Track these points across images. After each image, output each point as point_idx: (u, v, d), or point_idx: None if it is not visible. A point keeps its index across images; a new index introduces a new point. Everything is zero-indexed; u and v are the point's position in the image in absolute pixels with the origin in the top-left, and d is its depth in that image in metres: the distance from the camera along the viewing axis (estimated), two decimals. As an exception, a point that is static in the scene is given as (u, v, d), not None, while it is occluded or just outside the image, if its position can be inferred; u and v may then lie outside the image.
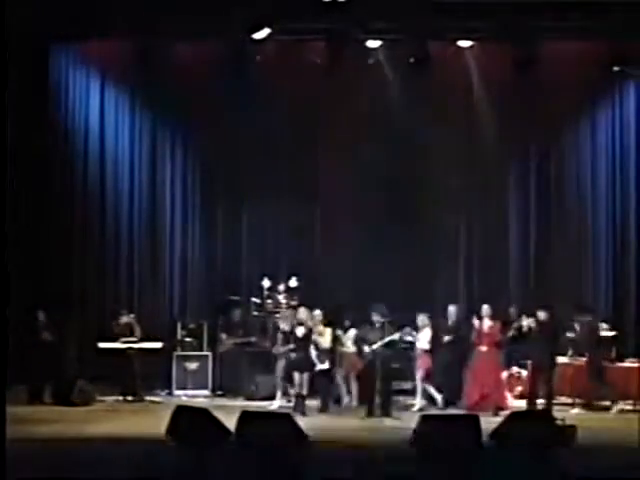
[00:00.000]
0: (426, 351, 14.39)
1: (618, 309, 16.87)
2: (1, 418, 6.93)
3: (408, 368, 14.75)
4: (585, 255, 17.41)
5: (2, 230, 7.46)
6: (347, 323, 15.07)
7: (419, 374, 14.41)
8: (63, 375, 15.01)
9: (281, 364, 14.39)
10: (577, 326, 14.64)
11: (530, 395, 13.95)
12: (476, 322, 14.19)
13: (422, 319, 14.46)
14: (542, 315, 13.94)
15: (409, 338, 14.16)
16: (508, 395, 14.54)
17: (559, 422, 10.80)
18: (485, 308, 14.22)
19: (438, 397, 14.38)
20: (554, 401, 14.22)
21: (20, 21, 14.76)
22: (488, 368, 14.00)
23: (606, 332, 15.16)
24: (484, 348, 14.03)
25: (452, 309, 14.79)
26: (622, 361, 14.87)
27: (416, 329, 14.29)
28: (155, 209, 17.91)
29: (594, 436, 11.36)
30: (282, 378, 14.43)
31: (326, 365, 14.41)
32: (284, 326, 14.42)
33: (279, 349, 14.36)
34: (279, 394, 14.44)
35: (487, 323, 14.15)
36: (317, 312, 14.60)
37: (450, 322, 14.71)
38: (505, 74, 16.86)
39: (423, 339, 14.36)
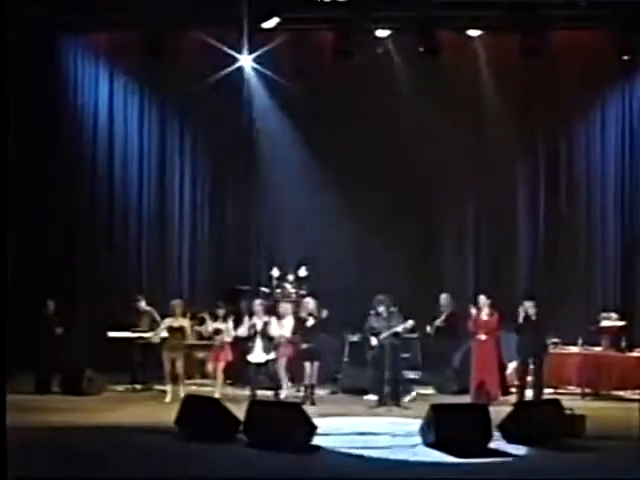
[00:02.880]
0: (289, 340, 14.30)
1: (627, 299, 16.85)
2: (1, 408, 6.93)
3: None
4: (594, 244, 17.36)
5: (5, 217, 7.44)
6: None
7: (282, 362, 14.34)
8: (72, 364, 15.01)
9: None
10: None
11: (519, 386, 13.89)
12: (473, 312, 14.17)
13: (285, 308, 14.37)
14: (529, 305, 13.89)
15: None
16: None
17: (568, 412, 10.80)
18: (482, 298, 14.17)
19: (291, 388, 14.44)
20: (560, 391, 14.28)
21: (30, 12, 14.80)
22: (485, 358, 13.94)
23: (615, 322, 15.16)
24: (482, 337, 13.99)
25: (444, 296, 15.33)
26: (631, 351, 14.88)
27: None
28: (164, 199, 17.94)
29: (604, 426, 11.34)
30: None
31: None
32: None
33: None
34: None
35: (485, 313, 14.11)
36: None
37: (442, 309, 15.21)
38: (514, 63, 16.79)
39: (287, 326, 14.25)
